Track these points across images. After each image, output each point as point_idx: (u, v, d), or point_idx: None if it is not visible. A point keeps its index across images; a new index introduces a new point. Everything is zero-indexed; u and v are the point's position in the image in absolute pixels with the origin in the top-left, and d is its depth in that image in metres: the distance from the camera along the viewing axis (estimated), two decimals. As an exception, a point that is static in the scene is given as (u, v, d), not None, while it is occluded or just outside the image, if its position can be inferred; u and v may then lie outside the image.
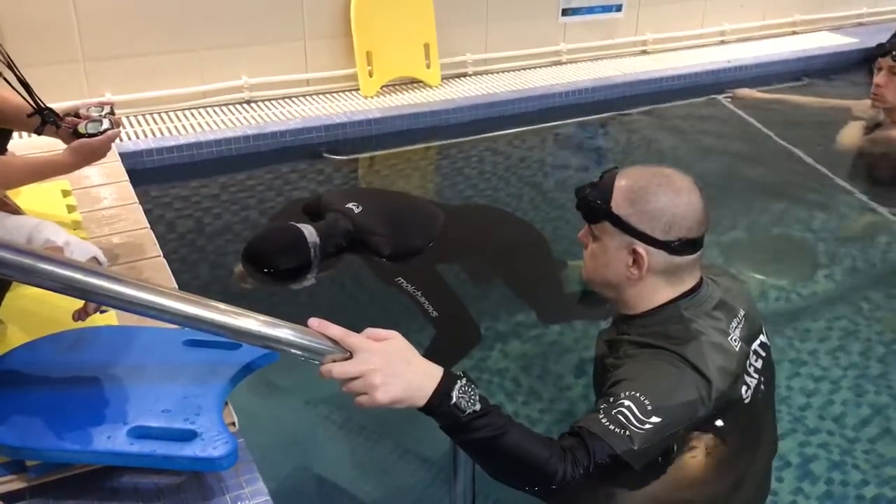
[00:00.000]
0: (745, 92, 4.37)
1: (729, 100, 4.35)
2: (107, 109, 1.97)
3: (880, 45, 4.46)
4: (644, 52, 4.92)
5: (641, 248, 1.44)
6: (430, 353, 1.97)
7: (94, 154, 1.93)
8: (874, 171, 3.60)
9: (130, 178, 2.66)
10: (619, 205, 1.45)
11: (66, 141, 1.95)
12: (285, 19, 3.83)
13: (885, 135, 3.44)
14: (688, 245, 1.45)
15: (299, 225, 2.33)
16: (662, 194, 1.43)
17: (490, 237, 2.59)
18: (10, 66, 1.81)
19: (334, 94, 4.01)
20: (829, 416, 2.11)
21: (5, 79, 1.82)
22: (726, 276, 1.63)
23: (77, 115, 1.95)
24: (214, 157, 3.41)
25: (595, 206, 1.47)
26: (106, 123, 1.92)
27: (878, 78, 3.39)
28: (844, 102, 3.83)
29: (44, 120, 1.91)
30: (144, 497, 1.34)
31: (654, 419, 1.29)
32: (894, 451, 2.00)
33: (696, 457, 1.42)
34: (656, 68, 4.61)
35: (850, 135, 3.59)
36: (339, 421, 2.09)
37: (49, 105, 1.92)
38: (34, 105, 1.88)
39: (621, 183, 1.46)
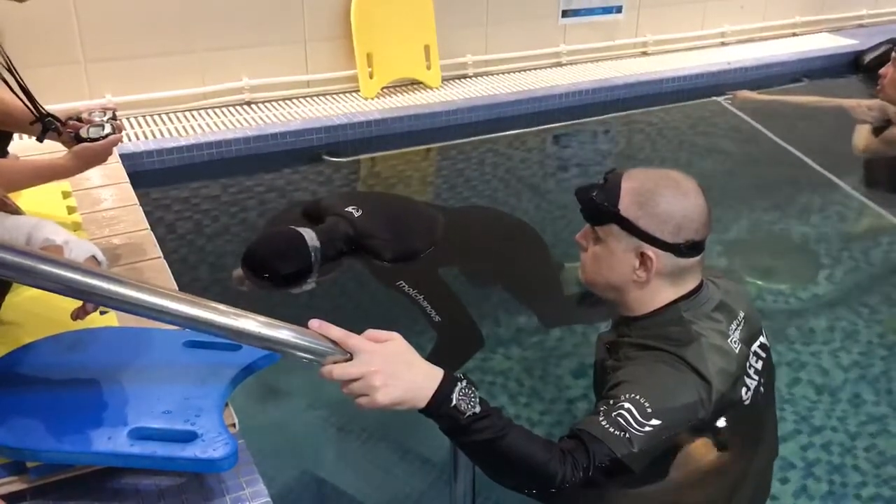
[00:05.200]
0: (744, 93, 4.37)
1: (729, 101, 4.35)
2: (109, 114, 1.97)
3: (890, 40, 4.46)
4: (644, 54, 4.92)
5: (650, 251, 1.43)
6: (433, 358, 1.97)
7: (96, 159, 1.93)
8: (882, 171, 3.59)
9: (131, 180, 2.67)
10: (627, 207, 1.43)
11: (67, 145, 1.95)
12: (286, 21, 3.84)
13: (893, 134, 3.43)
14: (694, 247, 1.45)
15: (299, 229, 2.33)
16: (671, 197, 1.43)
17: (489, 240, 2.59)
18: (12, 71, 1.81)
19: (335, 96, 4.02)
20: (832, 417, 2.11)
21: (6, 82, 1.82)
22: (726, 278, 1.63)
23: (79, 119, 1.95)
24: (215, 158, 3.42)
25: (602, 209, 1.46)
26: (108, 128, 1.93)
27: (884, 69, 3.41)
28: (843, 102, 3.82)
29: (45, 127, 1.91)
30: (145, 498, 1.34)
31: (654, 421, 1.28)
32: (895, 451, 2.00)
33: (695, 458, 1.42)
34: (656, 70, 4.62)
35: (862, 136, 3.58)
36: (339, 422, 2.09)
37: (51, 107, 1.92)
38: (35, 112, 1.88)
39: (628, 185, 1.45)
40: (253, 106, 3.84)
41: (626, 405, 1.29)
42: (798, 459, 1.96)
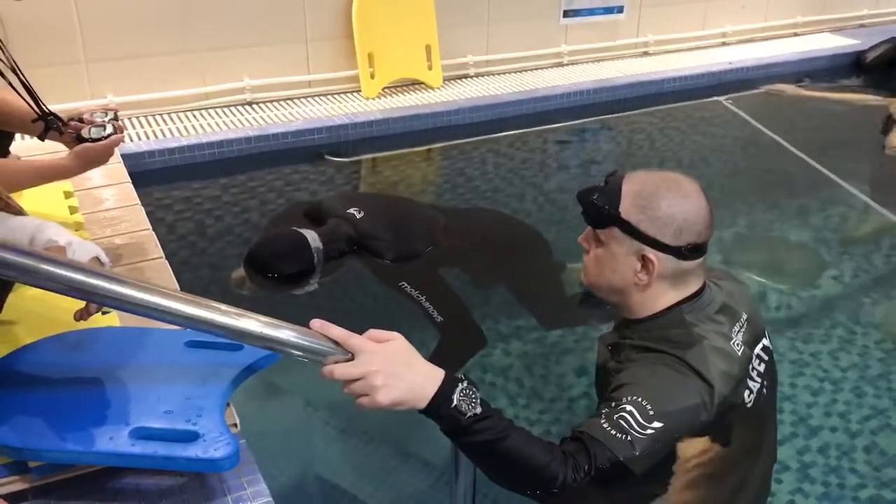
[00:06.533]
0: (785, 87, 4.38)
1: (730, 101, 4.35)
2: (111, 115, 1.98)
3: (891, 39, 4.46)
4: (645, 54, 4.92)
5: (652, 254, 1.43)
6: (436, 357, 1.97)
7: (98, 159, 1.93)
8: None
9: (132, 180, 2.67)
10: (628, 210, 1.43)
11: (69, 146, 1.95)
12: (287, 21, 3.84)
13: None
14: (695, 250, 1.45)
15: (302, 230, 2.34)
16: (672, 199, 1.42)
17: (490, 241, 2.60)
18: (15, 70, 1.81)
19: (336, 96, 4.02)
20: (832, 418, 2.11)
21: (9, 82, 1.82)
22: (729, 280, 1.63)
23: (81, 120, 1.95)
24: (216, 158, 3.42)
25: (604, 212, 1.45)
26: (109, 129, 1.93)
27: None
28: (884, 101, 3.83)
29: (47, 125, 1.91)
30: (146, 498, 1.34)
31: (656, 424, 1.28)
32: (895, 452, 2.00)
33: (697, 461, 1.41)
34: (658, 70, 4.62)
35: None
36: (340, 422, 2.09)
37: (52, 107, 1.93)
38: (38, 111, 1.89)
39: (629, 188, 1.45)
40: (254, 106, 3.84)
41: (628, 407, 1.29)
42: (794, 461, 1.96)
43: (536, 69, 4.57)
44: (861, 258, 2.92)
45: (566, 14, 4.57)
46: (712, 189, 3.20)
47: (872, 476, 1.92)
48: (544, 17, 4.52)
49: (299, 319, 1.23)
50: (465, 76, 4.38)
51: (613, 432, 1.27)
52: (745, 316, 1.51)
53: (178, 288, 2.00)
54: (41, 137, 1.95)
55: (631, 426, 1.27)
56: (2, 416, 1.32)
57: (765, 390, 1.52)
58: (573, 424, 1.36)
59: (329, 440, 2.07)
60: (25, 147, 2.60)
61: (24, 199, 2.11)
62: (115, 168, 2.69)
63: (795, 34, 5.44)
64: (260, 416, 2.06)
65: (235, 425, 1.47)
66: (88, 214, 2.36)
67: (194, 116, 3.68)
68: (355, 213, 2.43)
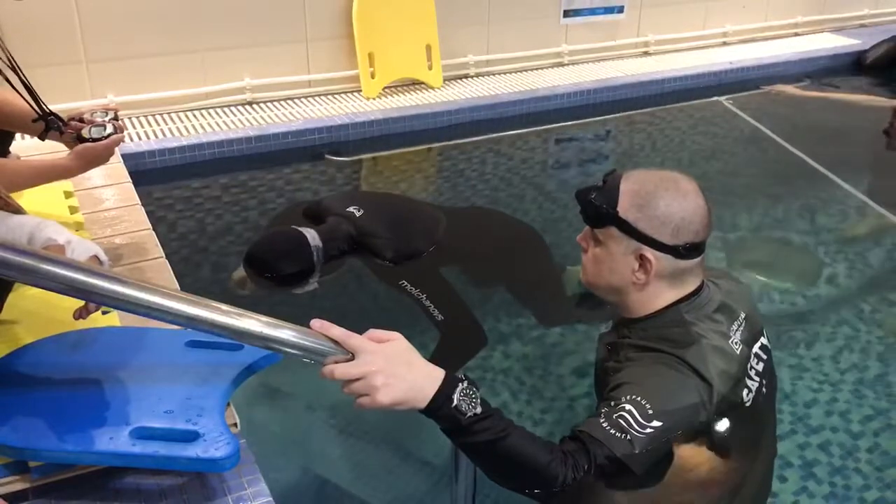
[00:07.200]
0: (785, 87, 4.38)
1: (730, 101, 4.35)
2: (111, 114, 1.98)
3: (892, 38, 4.48)
4: (646, 54, 4.92)
5: (650, 253, 1.43)
6: (437, 356, 1.97)
7: (98, 159, 1.93)
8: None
9: (133, 180, 2.67)
10: (626, 209, 1.43)
11: (69, 145, 1.95)
12: (287, 21, 3.84)
13: None
14: (693, 249, 1.45)
15: (301, 229, 2.33)
16: (671, 199, 1.42)
17: (490, 241, 2.60)
18: (15, 69, 1.81)
19: (336, 96, 4.02)
20: (832, 418, 2.11)
21: (9, 82, 1.82)
22: (727, 279, 1.63)
23: (81, 120, 1.95)
24: (217, 158, 3.42)
25: (602, 211, 1.46)
26: (110, 128, 1.93)
27: None
28: (884, 101, 3.83)
29: (48, 125, 1.91)
30: (147, 498, 1.34)
31: (655, 423, 1.28)
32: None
33: (697, 460, 1.42)
34: (658, 69, 4.61)
35: None
36: (340, 422, 2.09)
37: (53, 107, 1.93)
38: (38, 110, 1.89)
39: (628, 187, 1.45)
40: (255, 106, 3.84)
41: (627, 407, 1.29)
42: (796, 458, 1.96)
43: (536, 69, 4.57)
44: (861, 258, 2.91)
45: (566, 14, 4.56)
46: (712, 189, 3.19)
47: (875, 476, 1.92)
48: (544, 17, 4.52)
49: (299, 319, 1.23)
50: (466, 76, 4.38)
51: (613, 431, 1.27)
52: (743, 315, 1.52)
53: (179, 287, 2.00)
54: (41, 137, 1.95)
55: (630, 425, 1.27)
56: (2, 416, 1.33)
57: (763, 389, 1.52)
58: (574, 424, 1.36)
59: (329, 440, 2.07)
60: (25, 147, 2.60)
61: (24, 199, 2.11)
62: (116, 168, 2.69)
63: (796, 34, 5.44)
64: (260, 416, 2.06)
65: (235, 425, 1.47)
66: (88, 214, 2.36)
67: (194, 116, 3.68)
68: (355, 211, 2.43)
